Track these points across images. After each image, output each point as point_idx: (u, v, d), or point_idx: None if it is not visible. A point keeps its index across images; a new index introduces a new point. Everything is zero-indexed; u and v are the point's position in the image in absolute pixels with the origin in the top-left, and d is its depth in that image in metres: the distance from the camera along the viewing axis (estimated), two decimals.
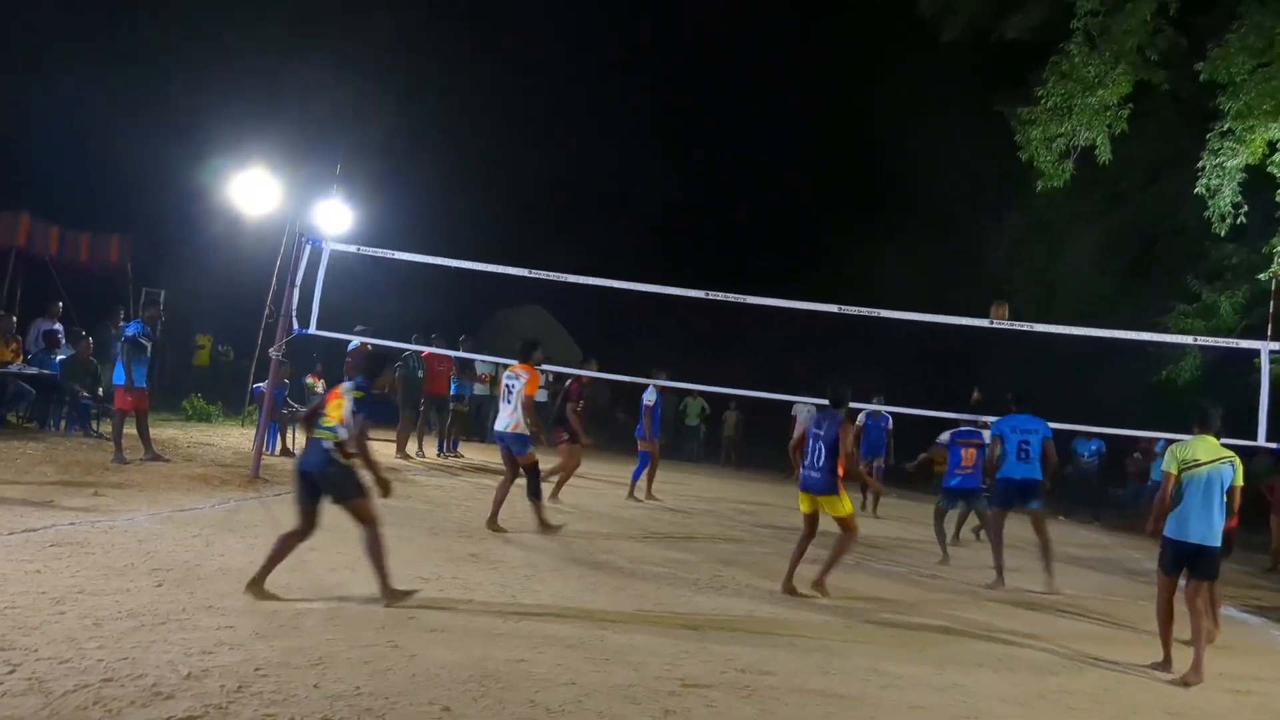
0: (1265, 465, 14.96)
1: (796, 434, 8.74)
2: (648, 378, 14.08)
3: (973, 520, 12.86)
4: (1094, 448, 18.83)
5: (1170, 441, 10.02)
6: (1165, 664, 7.19)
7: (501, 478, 10.46)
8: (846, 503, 8.72)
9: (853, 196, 32.42)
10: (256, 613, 6.19)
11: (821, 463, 8.56)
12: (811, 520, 8.83)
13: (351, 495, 6.69)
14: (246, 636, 5.68)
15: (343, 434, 6.62)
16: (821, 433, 8.62)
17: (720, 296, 11.61)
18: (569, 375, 13.72)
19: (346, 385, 6.87)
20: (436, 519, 10.46)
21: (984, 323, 11.67)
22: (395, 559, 8.08)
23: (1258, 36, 14.95)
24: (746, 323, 14.99)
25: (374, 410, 6.83)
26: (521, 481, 10.35)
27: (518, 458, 10.25)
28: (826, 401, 9.02)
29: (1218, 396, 17.07)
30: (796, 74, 35.30)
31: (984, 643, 7.72)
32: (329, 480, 6.65)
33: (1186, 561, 7.13)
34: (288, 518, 7.10)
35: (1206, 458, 7.09)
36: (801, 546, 8.81)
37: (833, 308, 11.45)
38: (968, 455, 11.42)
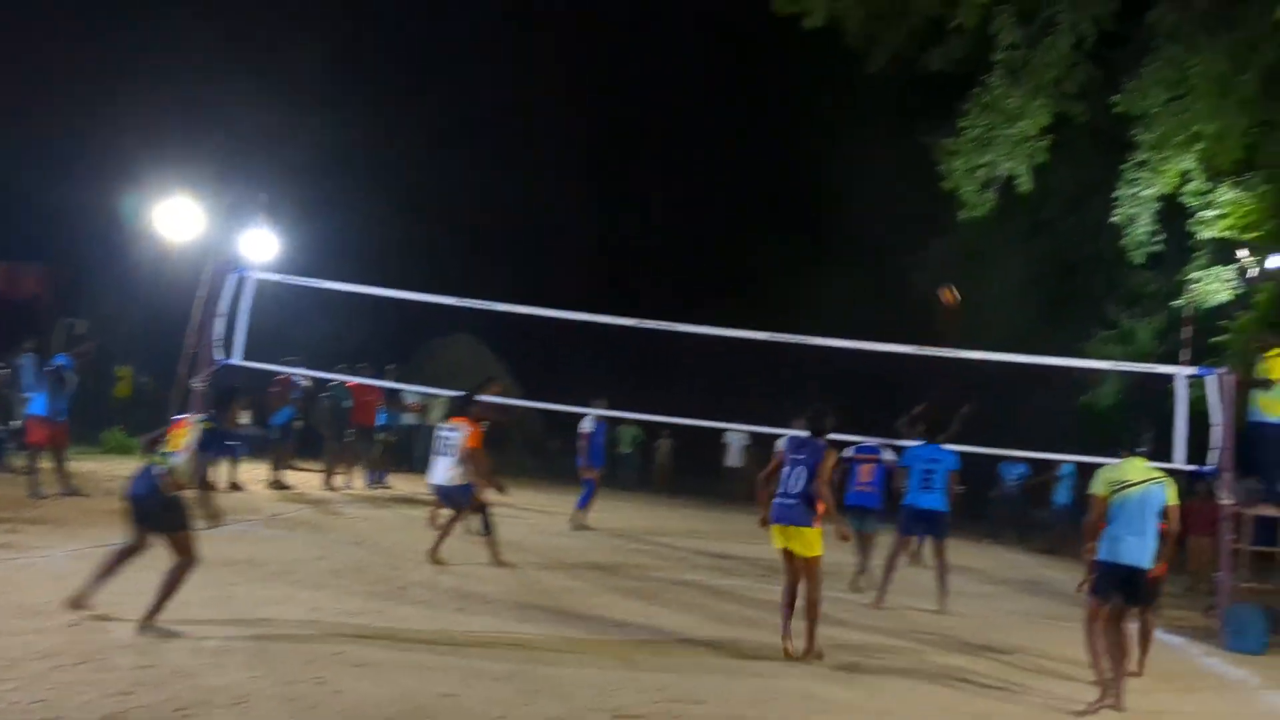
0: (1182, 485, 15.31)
1: (770, 465, 7.92)
2: (585, 406, 14.02)
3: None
4: (1019, 471, 19.12)
5: (1094, 465, 10.22)
6: (1103, 699, 6.87)
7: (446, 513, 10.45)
8: (818, 542, 7.51)
9: (784, 225, 32.77)
10: (178, 650, 6.03)
11: (800, 489, 7.47)
12: (791, 556, 7.64)
13: (172, 527, 6.52)
14: (167, 675, 5.53)
15: (178, 462, 6.49)
16: (803, 458, 7.59)
17: (652, 325, 11.64)
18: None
19: (196, 416, 6.77)
20: (365, 552, 10.30)
21: (912, 350, 11.80)
22: (323, 592, 7.98)
23: (1170, 70, 15.41)
24: (680, 350, 15.02)
25: (221, 443, 6.76)
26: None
27: (465, 509, 10.25)
28: (805, 432, 8.05)
29: (1137, 420, 17.47)
30: (728, 103, 35.69)
31: (916, 667, 7.77)
32: (151, 508, 6.50)
33: (1119, 585, 6.96)
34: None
35: (1137, 478, 7.03)
36: (789, 594, 7.67)
37: (763, 335, 11.53)
38: (864, 471, 11.45)
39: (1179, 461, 11.30)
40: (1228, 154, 15.09)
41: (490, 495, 10.56)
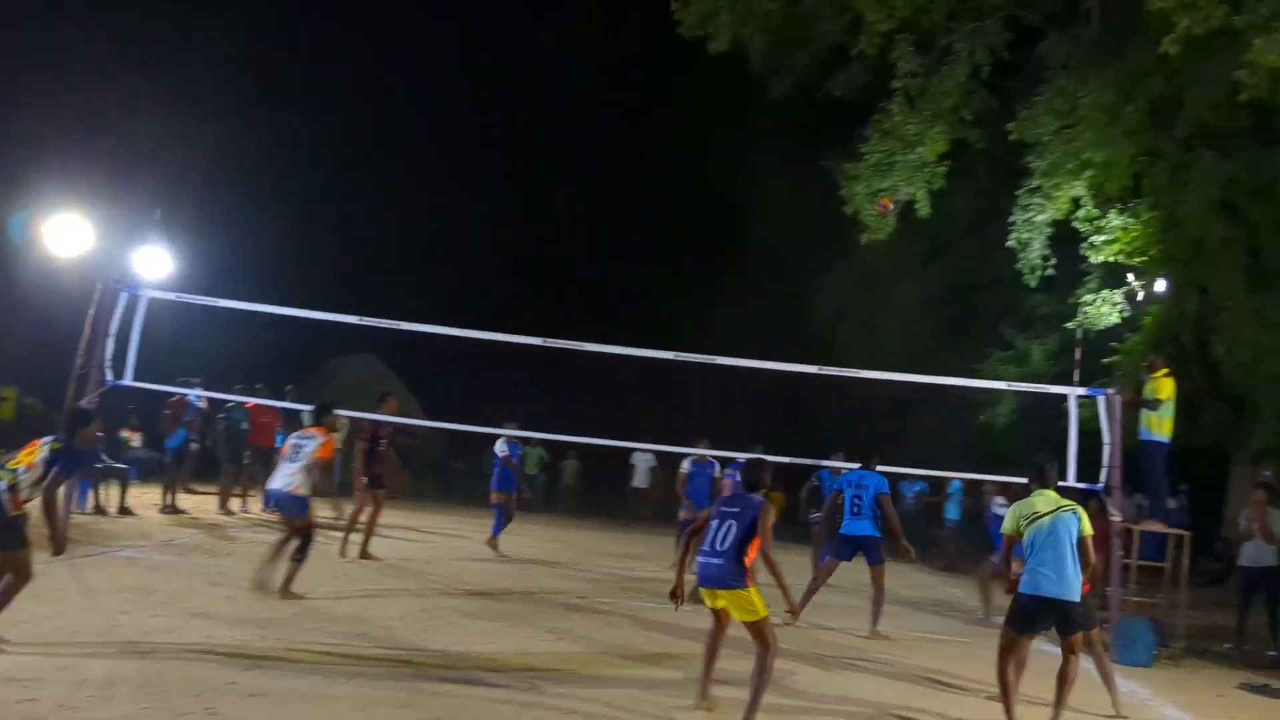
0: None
1: (699, 517, 6.98)
2: (496, 428, 13.79)
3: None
4: (917, 488, 19.46)
5: (987, 482, 10.52)
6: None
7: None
8: (759, 600, 6.50)
9: (692, 246, 33.09)
10: (62, 682, 5.79)
11: (726, 546, 6.48)
12: (721, 614, 6.76)
13: (8, 546, 6.31)
14: (50, 709, 5.33)
15: (22, 478, 6.31)
16: (735, 511, 6.63)
17: (557, 344, 11.58)
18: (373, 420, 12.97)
19: (48, 437, 6.57)
20: (262, 576, 10.02)
21: (814, 370, 11.94)
22: (216, 620, 7.75)
23: (1061, 100, 15.91)
24: (586, 370, 14.96)
25: (73, 464, 6.57)
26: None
27: (294, 520, 9.44)
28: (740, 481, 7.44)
29: (1031, 439, 17.92)
30: (637, 124, 35.92)
31: (820, 681, 7.83)
32: None
33: (1042, 619, 6.89)
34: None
35: (1046, 509, 6.96)
36: (712, 645, 6.81)
37: (668, 354, 11.56)
38: (729, 486, 11.96)
39: (1071, 479, 11.62)
40: (1116, 181, 15.62)
41: (322, 515, 10.17)
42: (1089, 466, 11.77)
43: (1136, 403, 11.61)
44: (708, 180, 30.38)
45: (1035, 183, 16.56)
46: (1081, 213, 16.61)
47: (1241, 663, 11.18)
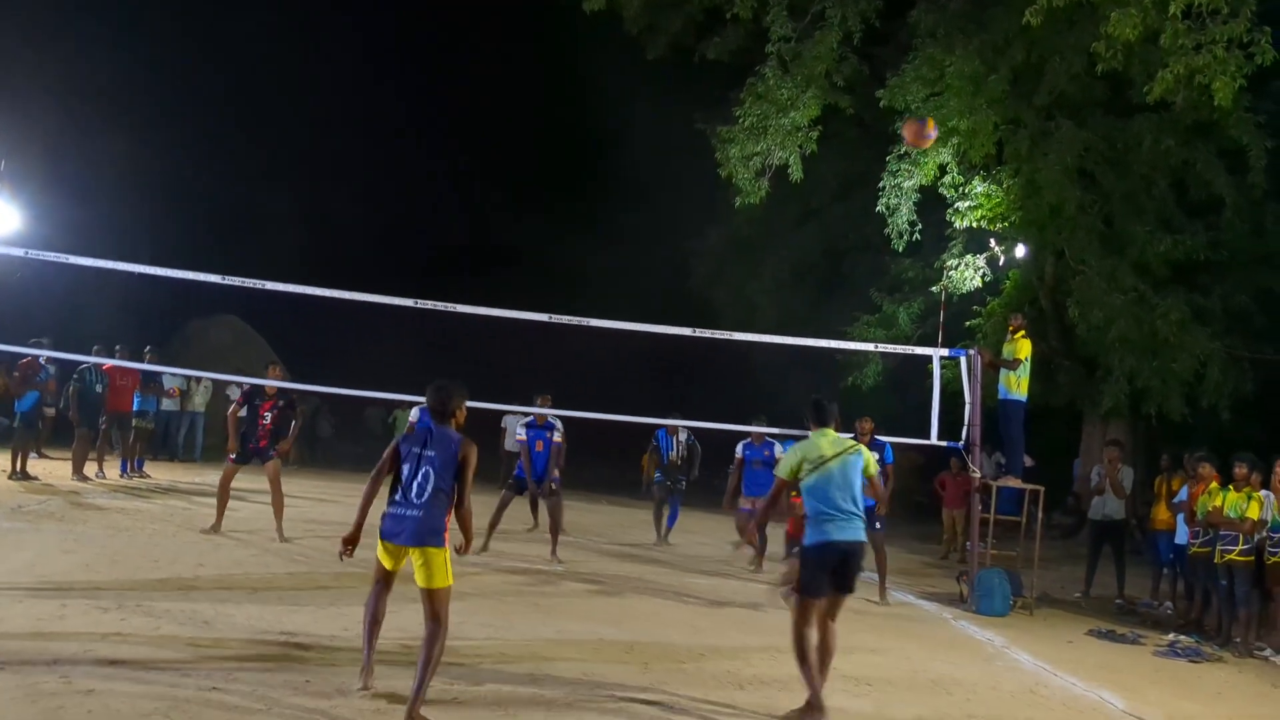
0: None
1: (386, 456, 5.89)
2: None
3: None
4: (785, 447, 19.82)
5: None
6: (810, 710, 6.16)
7: None
8: (448, 568, 5.71)
9: (573, 210, 32.76)
10: None
11: (425, 496, 5.69)
12: (391, 578, 5.99)
13: None
14: None
15: None
16: (432, 453, 5.78)
17: (430, 305, 11.40)
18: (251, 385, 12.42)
19: None
20: (120, 545, 9.66)
21: (687, 331, 12.01)
22: (72, 589, 7.47)
23: (929, 68, 16.25)
24: (462, 332, 14.71)
25: None
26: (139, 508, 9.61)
27: None
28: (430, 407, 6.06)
29: (897, 399, 18.39)
30: (511, 84, 35.44)
31: (689, 639, 7.94)
32: None
33: (832, 570, 6.33)
34: None
35: (832, 451, 6.53)
36: (379, 614, 6.01)
37: (543, 316, 11.48)
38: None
39: (934, 438, 12.00)
40: (980, 149, 16.04)
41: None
42: (952, 426, 12.17)
43: (996, 363, 12.02)
44: (587, 141, 30.18)
45: (903, 149, 16.89)
46: (947, 179, 17.04)
47: (1090, 611, 11.78)
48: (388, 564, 5.84)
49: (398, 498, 5.73)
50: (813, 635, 6.26)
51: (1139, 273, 15.99)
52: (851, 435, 9.09)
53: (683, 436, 14.20)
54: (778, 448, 12.31)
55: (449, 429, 5.91)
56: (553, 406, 12.24)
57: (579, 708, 5.90)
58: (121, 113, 24.53)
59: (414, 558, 5.65)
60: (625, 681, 6.50)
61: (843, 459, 6.49)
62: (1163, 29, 12.37)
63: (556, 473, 12.13)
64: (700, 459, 14.47)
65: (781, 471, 6.64)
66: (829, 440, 6.60)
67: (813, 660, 6.21)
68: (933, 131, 12.81)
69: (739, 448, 12.70)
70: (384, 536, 5.74)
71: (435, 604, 5.61)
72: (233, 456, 11.20)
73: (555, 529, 11.78)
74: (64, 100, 22.24)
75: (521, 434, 12.22)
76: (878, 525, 10.72)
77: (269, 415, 11.31)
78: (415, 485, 5.69)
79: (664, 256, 27.39)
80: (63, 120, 22.00)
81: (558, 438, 12.17)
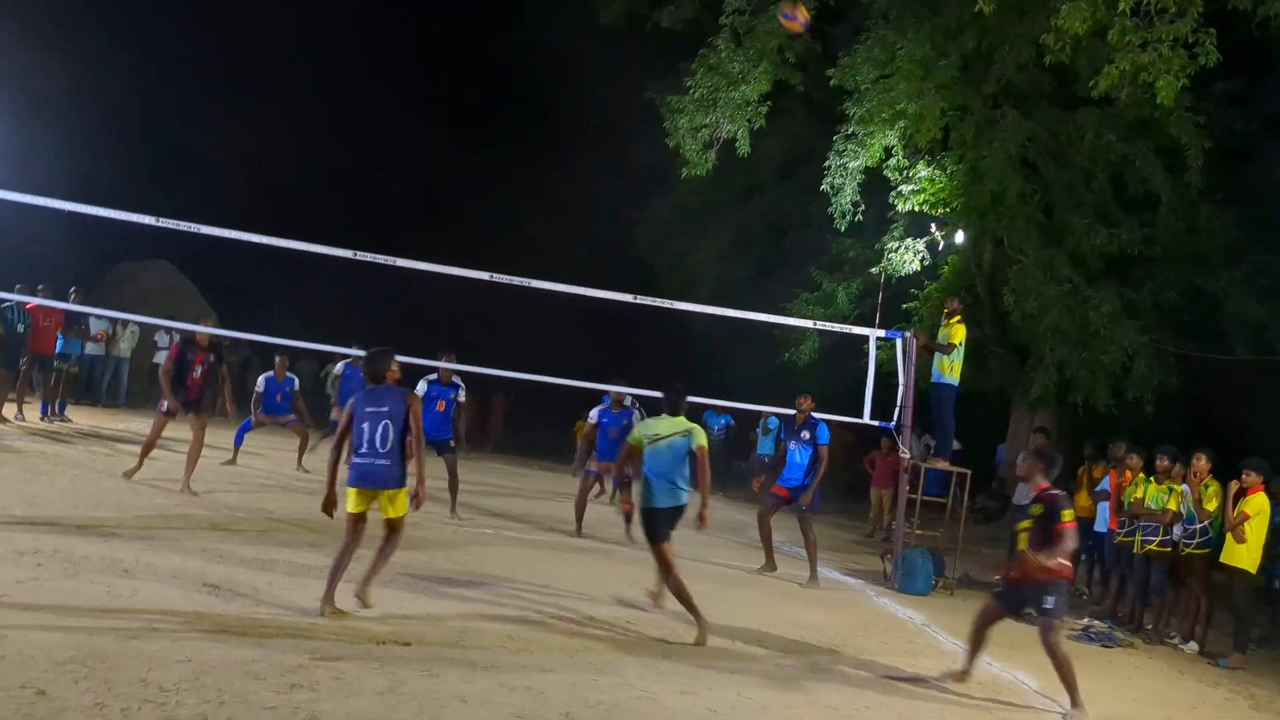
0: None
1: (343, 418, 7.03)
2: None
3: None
4: (724, 422, 19.95)
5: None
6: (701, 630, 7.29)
7: None
8: (406, 500, 6.97)
9: (516, 170, 32.50)
10: None
11: (389, 446, 6.77)
12: (362, 517, 6.93)
13: None
14: None
15: None
16: (386, 409, 6.84)
17: (370, 258, 11.20)
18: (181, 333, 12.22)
19: None
20: (39, 489, 9.44)
21: (628, 298, 11.96)
22: None
23: (881, 50, 16.30)
24: (402, 286, 14.49)
25: None
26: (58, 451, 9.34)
27: None
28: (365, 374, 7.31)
29: (832, 377, 18.53)
30: (460, 40, 34.96)
31: (618, 613, 7.97)
32: None
33: (665, 523, 7.54)
34: None
35: (667, 432, 7.70)
36: (353, 548, 6.87)
37: (484, 275, 11.35)
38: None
39: (867, 417, 12.13)
40: (926, 133, 16.14)
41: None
42: (884, 405, 12.30)
43: (931, 347, 12.17)
44: (536, 103, 29.93)
45: (851, 129, 16.96)
46: (892, 162, 17.14)
47: None
48: (359, 507, 6.83)
49: (364, 450, 6.77)
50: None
51: (1074, 264, 16.23)
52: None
53: (629, 406, 12.72)
54: (635, 416, 12.11)
55: (392, 387, 6.99)
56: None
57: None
58: (52, 39, 23.71)
59: (382, 499, 6.81)
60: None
61: (671, 440, 7.66)
62: (1111, 25, 12.53)
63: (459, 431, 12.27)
64: None
65: (631, 439, 7.91)
66: (667, 423, 7.80)
67: (690, 596, 7.37)
68: (802, 16, 12.78)
69: (594, 413, 12.58)
70: (356, 484, 6.79)
71: (396, 527, 7.01)
72: (164, 409, 10.94)
73: (454, 486, 11.81)
74: None
75: (422, 389, 11.89)
76: (804, 507, 10.87)
77: (200, 369, 11.15)
78: (378, 439, 6.75)
79: (609, 222, 27.30)
80: None
81: (461, 397, 12.19)
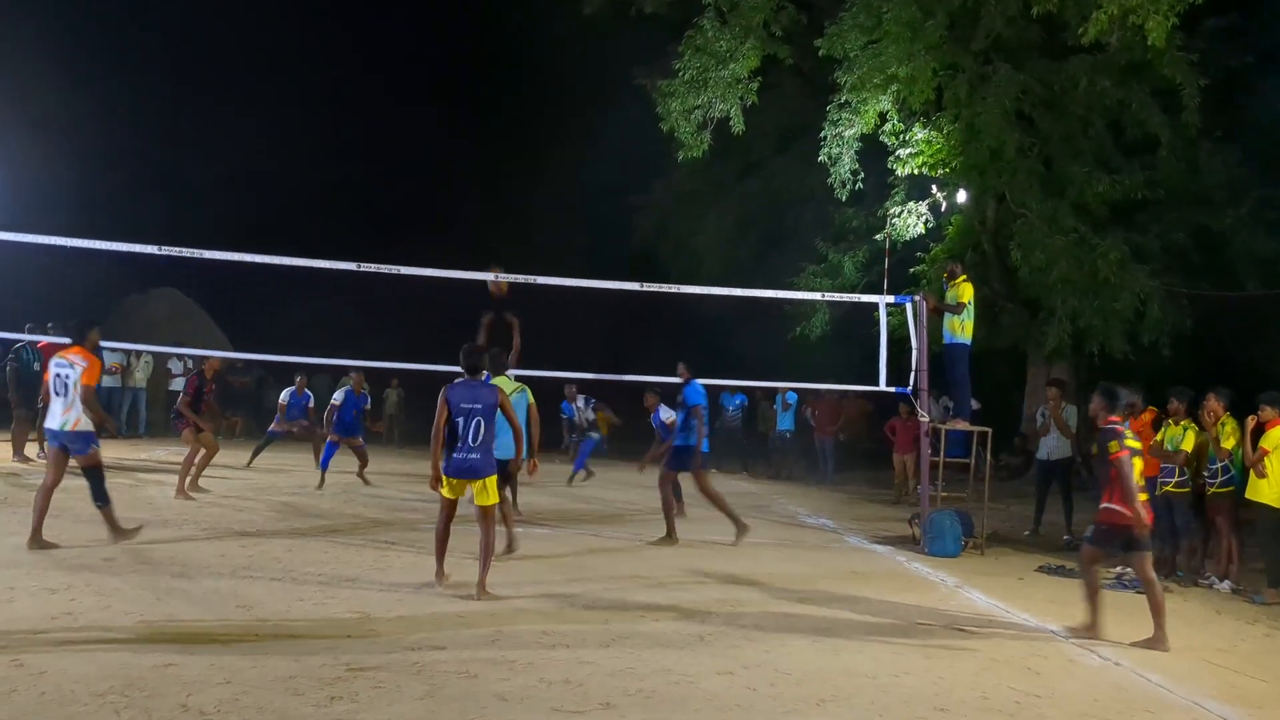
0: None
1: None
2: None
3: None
4: (739, 401, 19.94)
5: (810, 391, 10.87)
6: (440, 578, 7.72)
7: (40, 485, 8.68)
8: (495, 489, 7.77)
9: (512, 173, 32.43)
10: None
11: (480, 439, 7.51)
12: (454, 503, 7.76)
13: None
14: None
15: None
16: (479, 406, 7.53)
17: (373, 268, 11.24)
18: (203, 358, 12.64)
19: None
20: (65, 525, 9.47)
21: (635, 286, 11.98)
22: (18, 570, 7.34)
23: (867, 15, 16.23)
24: (403, 294, 14.53)
25: None
26: (78, 484, 8.99)
27: (77, 458, 8.68)
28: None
29: (845, 348, 18.49)
30: (446, 43, 34.96)
31: (648, 596, 7.98)
32: None
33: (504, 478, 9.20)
34: None
35: (507, 390, 8.73)
36: (447, 531, 7.79)
37: (488, 276, 11.37)
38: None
39: (883, 384, 12.10)
40: (919, 95, 16.10)
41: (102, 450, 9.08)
42: (899, 371, 12.27)
43: (940, 307, 12.12)
44: (527, 100, 29.90)
45: (844, 98, 16.91)
46: (888, 127, 17.09)
47: (1039, 548, 11.99)
48: (452, 494, 7.61)
49: (460, 445, 7.47)
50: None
51: (1078, 214, 16.17)
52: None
53: (581, 403, 16.92)
54: (664, 411, 13.12)
55: (482, 383, 7.76)
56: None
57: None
58: (51, 77, 23.79)
59: (474, 486, 7.55)
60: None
61: (510, 397, 8.54)
62: None
63: None
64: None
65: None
66: (503, 382, 9.42)
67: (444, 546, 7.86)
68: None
69: (339, 394, 14.21)
70: (451, 474, 7.51)
71: (489, 514, 7.68)
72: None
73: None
74: None
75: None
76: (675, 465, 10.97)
77: (211, 396, 12.10)
78: (471, 433, 7.46)
79: (609, 211, 27.27)
80: None
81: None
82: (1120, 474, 7.19)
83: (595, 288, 11.90)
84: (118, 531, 8.80)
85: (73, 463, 8.67)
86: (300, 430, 15.17)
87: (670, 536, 10.76)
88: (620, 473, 17.02)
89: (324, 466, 13.71)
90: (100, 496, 8.73)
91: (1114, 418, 7.57)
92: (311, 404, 15.36)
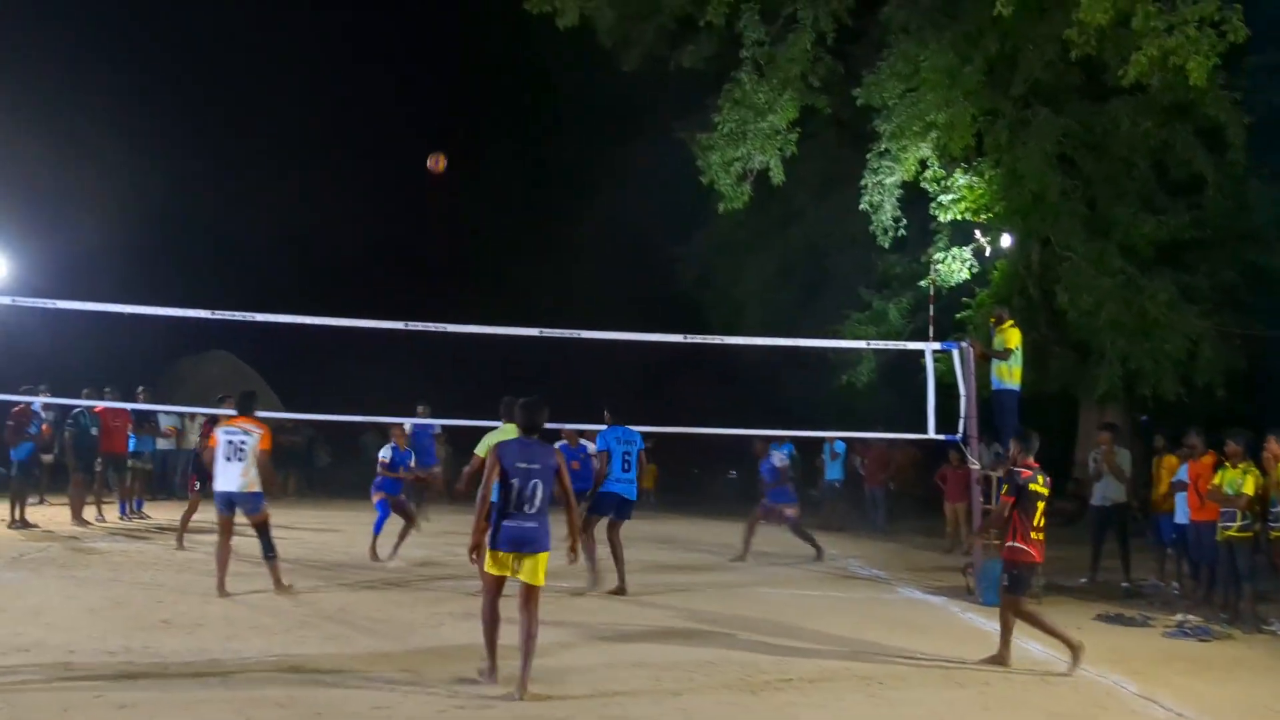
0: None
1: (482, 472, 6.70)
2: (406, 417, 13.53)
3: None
4: (786, 451, 19.78)
5: (856, 440, 10.80)
6: (492, 674, 6.62)
7: (219, 541, 9.49)
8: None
9: (554, 226, 32.76)
10: None
11: (539, 506, 6.40)
12: (501, 581, 6.51)
13: None
14: None
15: None
16: (538, 467, 6.43)
17: (420, 326, 11.36)
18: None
19: None
20: (123, 587, 9.62)
21: (678, 338, 12.01)
22: (78, 633, 7.43)
23: (904, 64, 16.31)
24: (452, 351, 14.71)
25: None
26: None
27: (251, 516, 9.52)
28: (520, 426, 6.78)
29: (892, 395, 18.36)
30: (489, 104, 35.55)
31: (699, 649, 7.92)
32: None
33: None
34: None
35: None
36: (497, 614, 6.55)
37: (533, 331, 11.46)
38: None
39: (931, 431, 11.99)
40: (959, 141, 16.11)
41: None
42: (948, 418, 12.15)
43: (988, 354, 12.02)
44: (566, 157, 30.22)
45: (883, 146, 16.96)
46: (929, 173, 17.10)
47: (1096, 595, 11.76)
48: (502, 571, 6.37)
49: (514, 511, 6.32)
50: None
51: (1125, 255, 16.04)
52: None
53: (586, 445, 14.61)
54: (776, 456, 13.26)
55: (538, 441, 6.58)
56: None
57: None
58: (103, 152, 24.45)
59: (525, 561, 6.31)
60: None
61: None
62: (1134, 12, 12.45)
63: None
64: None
65: (480, 450, 8.15)
66: (509, 431, 7.86)
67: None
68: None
69: (386, 451, 13.02)
70: (502, 547, 6.31)
71: (534, 599, 6.38)
72: (196, 489, 11.91)
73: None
74: (47, 144, 22.19)
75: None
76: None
77: None
78: (528, 498, 6.32)
79: (650, 264, 27.42)
80: (46, 163, 21.97)
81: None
82: (995, 517, 8.15)
83: (640, 340, 11.95)
84: (279, 585, 9.56)
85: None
86: (424, 477, 14.57)
87: (619, 587, 10.50)
88: (665, 526, 16.90)
89: (377, 530, 12.85)
90: (269, 550, 9.58)
91: (1029, 461, 7.95)
92: (413, 461, 14.09)
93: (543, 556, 6.37)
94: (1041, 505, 7.88)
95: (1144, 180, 16.41)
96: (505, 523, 6.34)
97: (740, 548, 13.46)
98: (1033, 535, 7.82)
